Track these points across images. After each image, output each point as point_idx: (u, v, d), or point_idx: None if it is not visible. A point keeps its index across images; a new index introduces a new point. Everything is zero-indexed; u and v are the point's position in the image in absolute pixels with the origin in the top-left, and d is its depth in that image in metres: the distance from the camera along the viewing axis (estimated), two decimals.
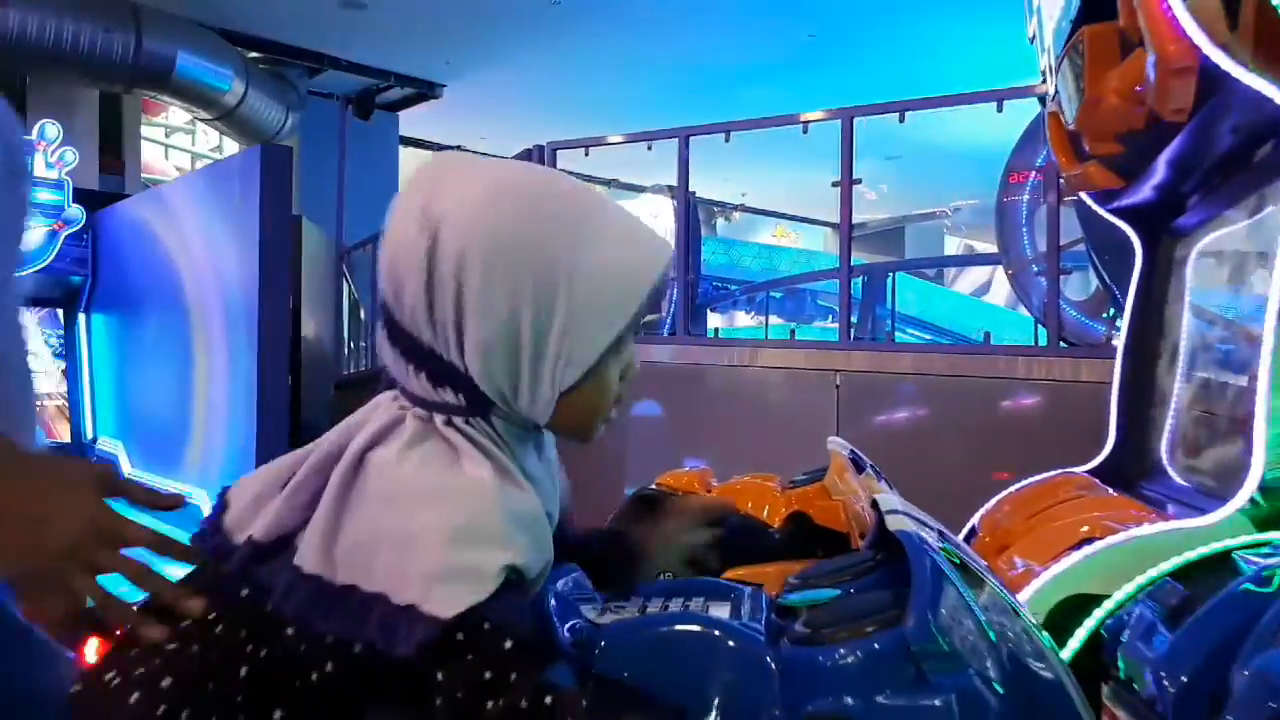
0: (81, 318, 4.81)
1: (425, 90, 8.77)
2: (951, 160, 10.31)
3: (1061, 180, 3.31)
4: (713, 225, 15.56)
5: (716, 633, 0.74)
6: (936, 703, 0.68)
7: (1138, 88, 1.55)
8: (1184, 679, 0.93)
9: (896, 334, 7.67)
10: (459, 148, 10.70)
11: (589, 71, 8.44)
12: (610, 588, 0.96)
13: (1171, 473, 1.99)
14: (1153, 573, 1.17)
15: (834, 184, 3.75)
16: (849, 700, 0.69)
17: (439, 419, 0.77)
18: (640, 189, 11.18)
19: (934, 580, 0.73)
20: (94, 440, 4.79)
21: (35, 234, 4.55)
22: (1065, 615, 1.23)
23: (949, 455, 3.31)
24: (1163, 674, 0.94)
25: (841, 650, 0.71)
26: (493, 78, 8.54)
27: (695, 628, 0.76)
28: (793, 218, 15.73)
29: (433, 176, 0.78)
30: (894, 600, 0.75)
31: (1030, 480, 2.00)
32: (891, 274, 7.63)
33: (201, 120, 7.59)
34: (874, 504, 0.88)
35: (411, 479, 0.73)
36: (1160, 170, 1.85)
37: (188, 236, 4.09)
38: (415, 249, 0.74)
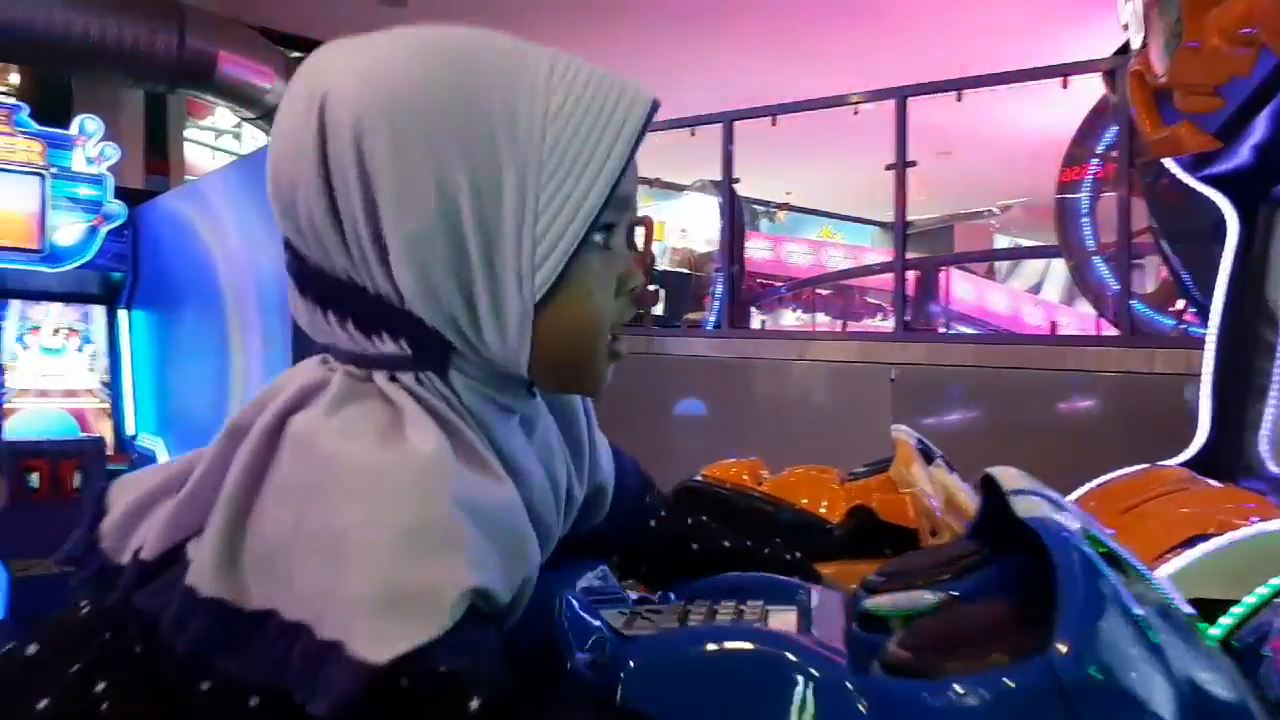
0: (122, 314, 4.78)
1: None
2: (1004, 156, 10.02)
3: (1133, 170, 3.11)
4: (757, 225, 15.36)
5: (787, 655, 0.55)
6: None
7: (1245, 28, 1.38)
8: None
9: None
10: None
11: (632, 65, 8.31)
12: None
13: (1272, 466, 1.81)
14: None
15: (888, 167, 3.58)
16: None
17: (380, 375, 0.56)
18: (682, 188, 11.05)
19: (1088, 586, 0.53)
20: (134, 437, 4.76)
21: (74, 229, 4.51)
22: None
23: (1014, 453, 3.11)
24: None
25: (959, 687, 0.51)
26: None
27: (753, 646, 0.57)
28: (840, 216, 15.45)
29: (316, 57, 0.58)
30: (1020, 611, 0.56)
31: (1115, 474, 1.82)
32: (944, 269, 7.41)
33: (244, 119, 7.59)
34: (985, 481, 0.70)
35: (338, 455, 0.52)
36: (1261, 127, 1.66)
37: (223, 229, 4.05)
38: (301, 140, 0.55)
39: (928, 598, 0.62)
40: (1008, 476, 0.67)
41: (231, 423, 0.57)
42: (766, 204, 14.53)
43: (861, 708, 0.52)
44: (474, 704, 0.46)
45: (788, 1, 7.09)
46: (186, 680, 0.51)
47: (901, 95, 3.52)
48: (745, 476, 1.70)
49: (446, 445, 0.53)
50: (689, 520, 0.87)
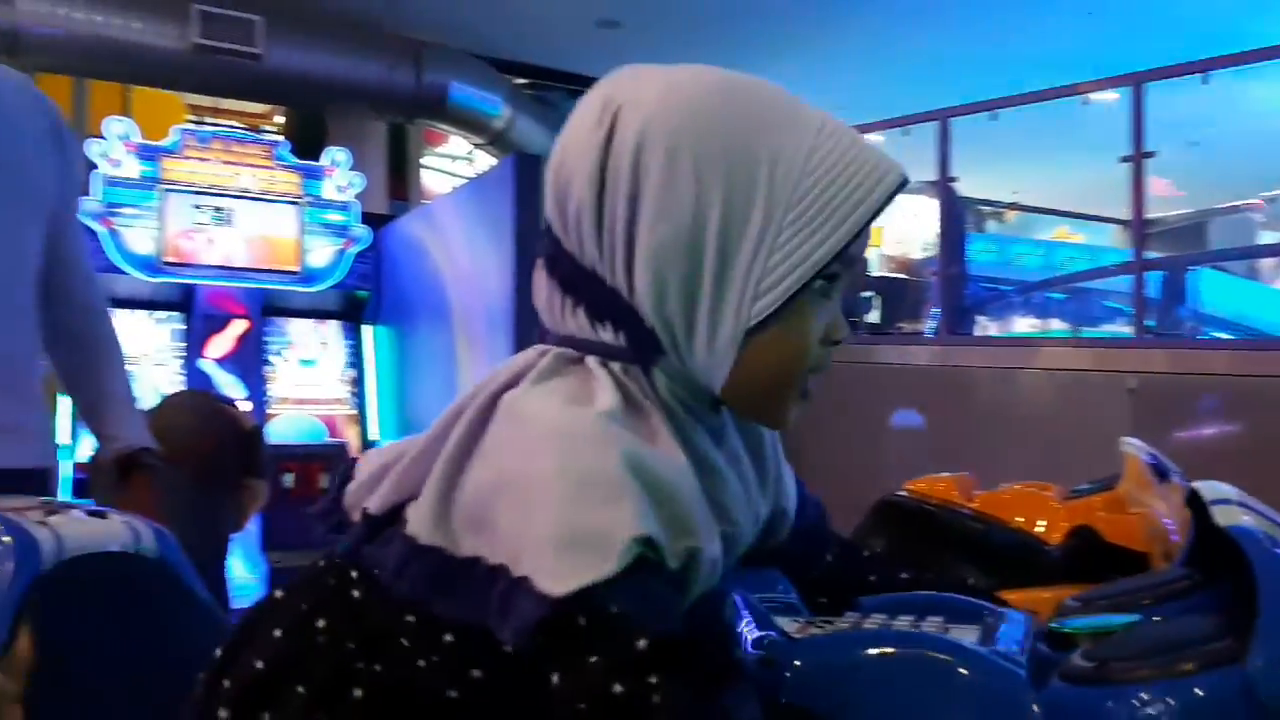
0: (366, 329, 5.20)
1: None
2: (1264, 141, 9.04)
3: None
4: (983, 227, 14.63)
5: (952, 659, 0.54)
6: None
7: None
8: None
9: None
10: None
11: (845, 66, 8.16)
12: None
13: None
14: None
15: (1123, 159, 3.32)
16: None
17: (592, 359, 0.64)
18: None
19: None
20: (376, 442, 5.15)
21: (326, 252, 4.96)
22: None
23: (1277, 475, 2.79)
24: None
25: (1144, 694, 0.49)
26: None
27: (925, 653, 0.56)
28: (1075, 215, 14.45)
29: (619, 74, 0.67)
30: (1222, 628, 0.52)
31: None
32: (1194, 268, 6.75)
33: (474, 145, 8.08)
34: (1191, 497, 0.64)
35: (533, 415, 0.61)
36: None
37: (452, 247, 4.33)
38: (588, 141, 0.63)
39: (1121, 618, 0.57)
40: (1212, 489, 0.61)
41: (453, 405, 0.66)
42: (992, 204, 13.83)
43: (1035, 712, 0.51)
44: (641, 644, 0.52)
45: None
46: (393, 616, 0.61)
47: (1137, 81, 3.24)
48: (954, 492, 1.62)
49: (620, 410, 0.60)
50: (866, 553, 0.90)
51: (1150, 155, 3.27)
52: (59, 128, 1.61)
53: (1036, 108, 4.33)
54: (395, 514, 0.65)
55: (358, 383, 5.25)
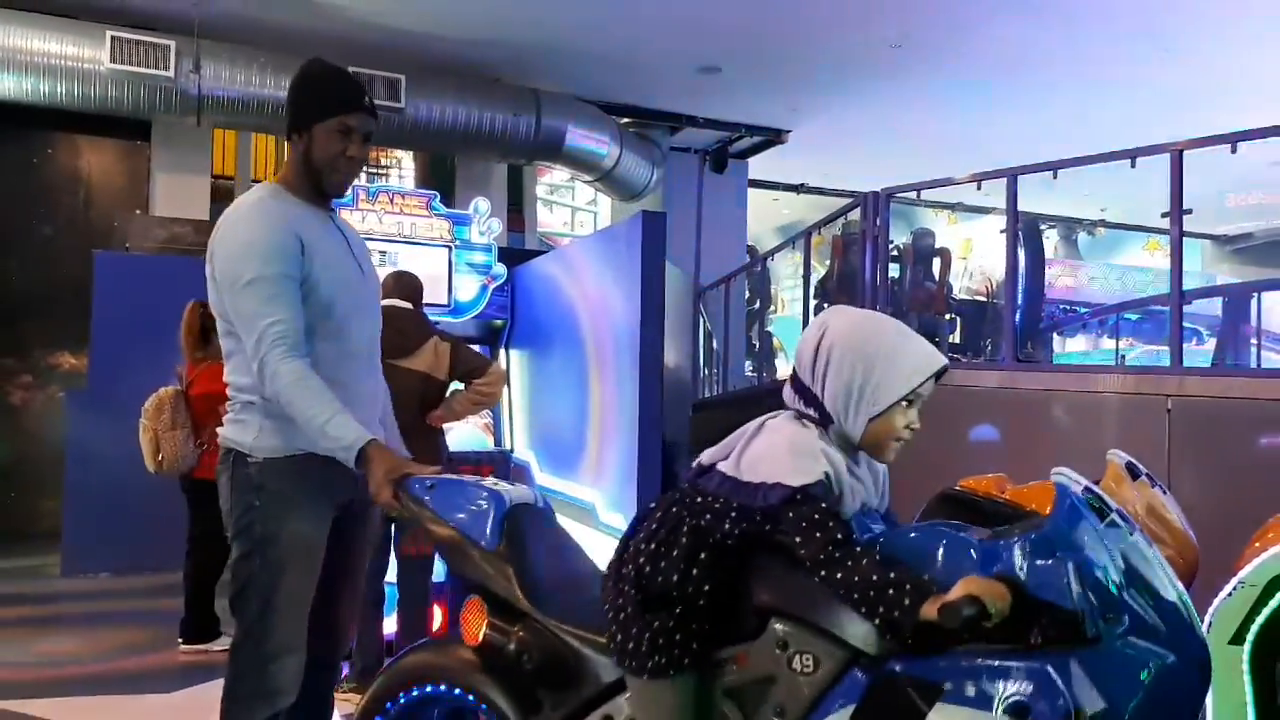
0: (503, 353, 5.89)
1: (772, 137, 9.46)
2: None
3: None
4: (1074, 242, 14.84)
5: (941, 533, 1.40)
6: (1059, 568, 1.23)
7: None
8: None
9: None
10: (802, 186, 11.40)
11: (930, 109, 8.66)
12: None
13: None
14: None
15: (1163, 215, 3.83)
16: (1012, 566, 1.28)
17: (805, 420, 1.54)
18: (987, 210, 11.18)
19: (1070, 509, 1.31)
20: (511, 451, 5.85)
21: (470, 287, 5.75)
22: None
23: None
24: None
25: (1007, 539, 1.32)
26: (835, 120, 9.04)
27: (934, 531, 1.41)
28: (1162, 231, 14.54)
29: (834, 310, 1.59)
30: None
31: None
32: (1257, 293, 7.07)
33: (583, 181, 8.84)
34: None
35: (783, 430, 1.53)
36: None
37: (585, 287, 4.93)
38: (814, 337, 1.56)
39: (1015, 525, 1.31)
40: (1059, 469, 1.33)
41: (740, 429, 1.54)
42: (1079, 221, 14.09)
43: (973, 550, 1.30)
44: (823, 505, 1.40)
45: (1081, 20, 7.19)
46: (709, 501, 1.49)
47: (1177, 151, 3.73)
48: (992, 487, 2.26)
49: (821, 441, 1.57)
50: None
51: (1189, 212, 3.76)
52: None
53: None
54: (711, 466, 1.60)
55: None
